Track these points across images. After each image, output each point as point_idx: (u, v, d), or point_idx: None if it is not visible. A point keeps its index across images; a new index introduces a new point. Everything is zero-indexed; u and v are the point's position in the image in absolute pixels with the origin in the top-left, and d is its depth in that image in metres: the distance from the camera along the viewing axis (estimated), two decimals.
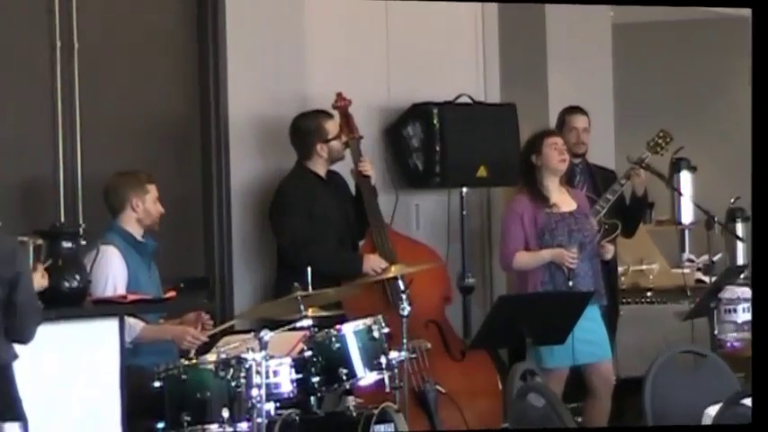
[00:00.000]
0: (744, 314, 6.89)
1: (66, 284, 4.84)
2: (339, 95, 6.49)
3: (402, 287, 5.73)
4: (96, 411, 4.88)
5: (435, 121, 6.94)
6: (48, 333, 4.58)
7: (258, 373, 4.83)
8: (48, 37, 5.93)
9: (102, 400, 4.88)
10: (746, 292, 6.92)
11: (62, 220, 5.80)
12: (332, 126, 6.36)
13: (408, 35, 7.16)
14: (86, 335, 4.90)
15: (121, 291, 5.34)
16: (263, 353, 4.85)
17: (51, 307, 4.70)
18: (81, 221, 5.90)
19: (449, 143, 6.93)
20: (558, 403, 3.81)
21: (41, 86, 5.92)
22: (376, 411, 5.11)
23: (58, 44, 5.95)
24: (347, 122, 6.46)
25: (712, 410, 3.99)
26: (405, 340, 5.43)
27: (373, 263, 6.18)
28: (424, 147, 6.98)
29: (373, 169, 6.46)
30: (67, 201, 5.96)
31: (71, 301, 4.87)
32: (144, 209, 5.57)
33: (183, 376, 4.93)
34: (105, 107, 6.10)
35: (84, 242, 5.14)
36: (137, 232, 5.60)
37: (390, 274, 5.92)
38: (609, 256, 6.35)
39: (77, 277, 4.87)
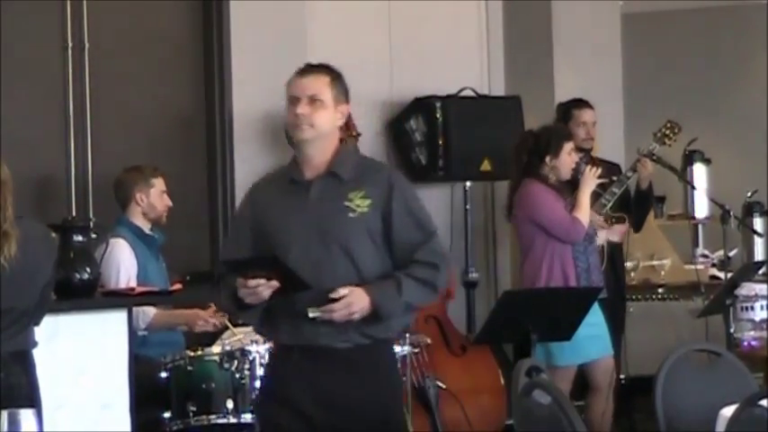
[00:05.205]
0: (762, 312, 6.79)
1: (78, 276, 4.99)
2: None
3: None
4: (105, 400, 5.00)
5: (438, 115, 6.94)
6: (59, 323, 4.78)
7: (262, 365, 4.92)
8: (59, 38, 6.23)
9: (110, 389, 5.01)
10: (764, 288, 6.83)
11: (73, 214, 6.12)
12: None
13: (411, 28, 7.17)
14: (96, 326, 5.04)
15: (133, 281, 5.54)
16: (267, 345, 4.91)
17: (63, 298, 4.87)
18: (91, 216, 6.20)
19: (452, 137, 6.91)
20: (564, 400, 3.69)
21: (53, 86, 6.22)
22: None
23: (70, 45, 6.24)
24: (346, 121, 6.40)
25: (727, 411, 3.85)
26: (407, 335, 5.45)
27: None
28: (427, 141, 6.97)
29: None
30: (78, 196, 6.24)
31: (82, 293, 5.01)
32: (148, 203, 5.74)
33: (189, 367, 5.10)
34: (114, 105, 6.36)
35: (94, 236, 5.41)
36: (144, 225, 5.77)
37: None
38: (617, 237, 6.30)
39: (88, 270, 5.02)
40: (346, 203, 3.95)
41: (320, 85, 4.01)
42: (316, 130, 3.97)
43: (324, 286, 3.84)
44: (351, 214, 3.94)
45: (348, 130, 6.44)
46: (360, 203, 3.96)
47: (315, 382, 3.89)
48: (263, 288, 3.81)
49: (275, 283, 3.78)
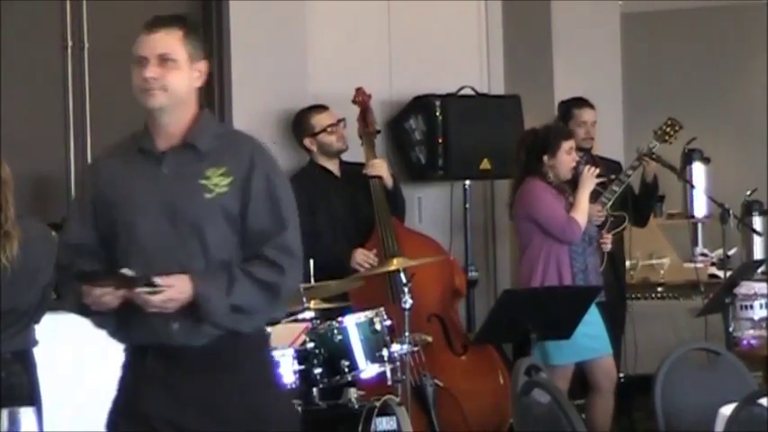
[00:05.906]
0: (761, 311, 6.80)
1: None
2: (359, 90, 6.50)
3: (404, 280, 5.66)
4: (104, 399, 4.84)
5: (438, 114, 6.90)
6: (59, 323, 4.69)
7: None
8: (59, 38, 6.22)
9: (111, 389, 4.83)
10: (763, 287, 6.84)
11: None
12: (319, 120, 6.38)
13: (410, 26, 7.14)
14: None
15: None
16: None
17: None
18: None
19: (451, 136, 6.88)
20: (563, 399, 3.70)
21: (53, 85, 6.21)
22: (378, 404, 5.12)
23: (69, 44, 6.23)
24: (365, 117, 6.47)
25: (726, 410, 3.86)
26: (407, 333, 5.44)
27: (360, 258, 6.16)
28: (426, 140, 6.93)
29: (385, 169, 6.39)
30: None
31: None
32: None
33: None
34: (114, 105, 6.22)
35: None
36: None
37: (392, 268, 5.83)
38: (608, 247, 6.25)
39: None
40: (202, 182, 3.46)
41: (171, 42, 3.52)
42: (169, 94, 3.48)
43: (171, 272, 3.40)
44: (207, 194, 3.45)
45: (366, 126, 6.46)
46: (218, 182, 3.46)
47: (172, 386, 3.49)
48: (110, 298, 3.43)
49: (123, 293, 3.42)
